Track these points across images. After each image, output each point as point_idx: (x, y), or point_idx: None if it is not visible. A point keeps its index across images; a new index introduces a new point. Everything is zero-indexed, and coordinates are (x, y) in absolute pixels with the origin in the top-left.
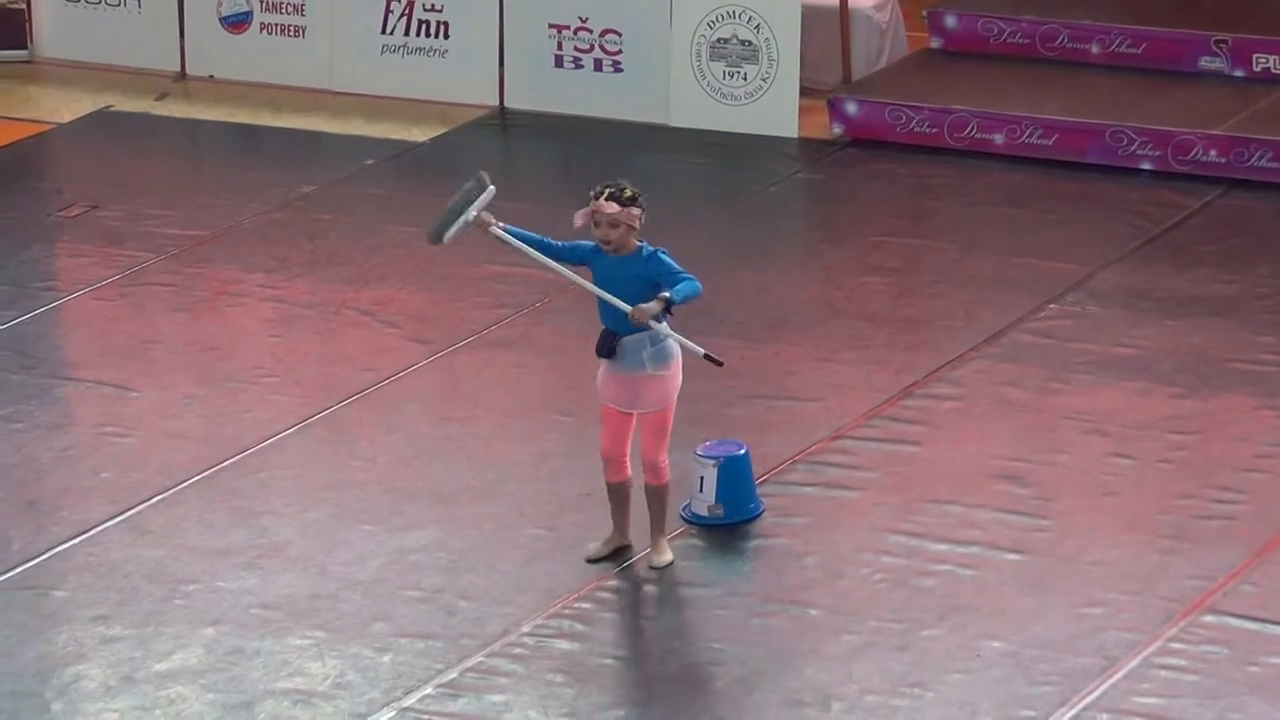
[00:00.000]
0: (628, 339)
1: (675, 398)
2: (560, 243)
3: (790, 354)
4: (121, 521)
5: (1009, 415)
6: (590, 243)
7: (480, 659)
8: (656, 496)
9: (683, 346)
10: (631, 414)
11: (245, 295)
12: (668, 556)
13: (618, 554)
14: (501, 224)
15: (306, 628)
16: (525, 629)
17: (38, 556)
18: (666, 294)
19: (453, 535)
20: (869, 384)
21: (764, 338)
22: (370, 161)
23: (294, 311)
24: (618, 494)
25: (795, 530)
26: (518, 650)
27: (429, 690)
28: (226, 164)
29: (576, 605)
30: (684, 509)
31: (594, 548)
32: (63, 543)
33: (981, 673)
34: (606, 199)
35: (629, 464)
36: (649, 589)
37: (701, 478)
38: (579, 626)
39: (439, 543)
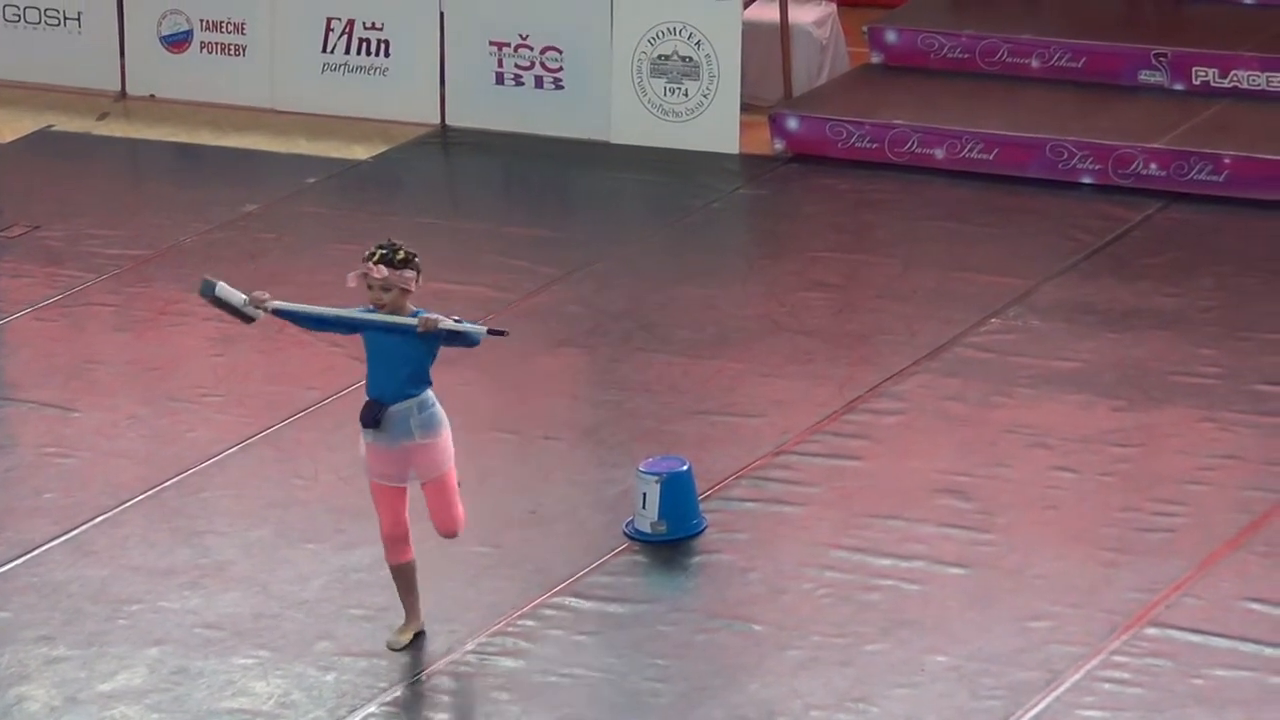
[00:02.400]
0: (394, 408)
1: (452, 462)
2: (332, 313)
3: (733, 369)
4: (64, 541)
5: (952, 429)
6: (361, 309)
7: (424, 677)
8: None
9: (468, 332)
10: (404, 488)
11: (187, 315)
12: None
13: (418, 638)
14: (266, 302)
15: (250, 647)
16: (469, 646)
17: None
18: (452, 316)
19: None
20: (811, 399)
21: (706, 353)
22: (312, 180)
23: (236, 331)
24: (403, 576)
25: (738, 546)
26: (462, 668)
27: (373, 709)
28: (168, 183)
29: (520, 623)
30: (627, 525)
31: (394, 638)
32: (5, 563)
33: (926, 687)
34: (377, 261)
35: (411, 544)
36: (592, 606)
37: (644, 494)
38: (523, 644)
39: (382, 561)
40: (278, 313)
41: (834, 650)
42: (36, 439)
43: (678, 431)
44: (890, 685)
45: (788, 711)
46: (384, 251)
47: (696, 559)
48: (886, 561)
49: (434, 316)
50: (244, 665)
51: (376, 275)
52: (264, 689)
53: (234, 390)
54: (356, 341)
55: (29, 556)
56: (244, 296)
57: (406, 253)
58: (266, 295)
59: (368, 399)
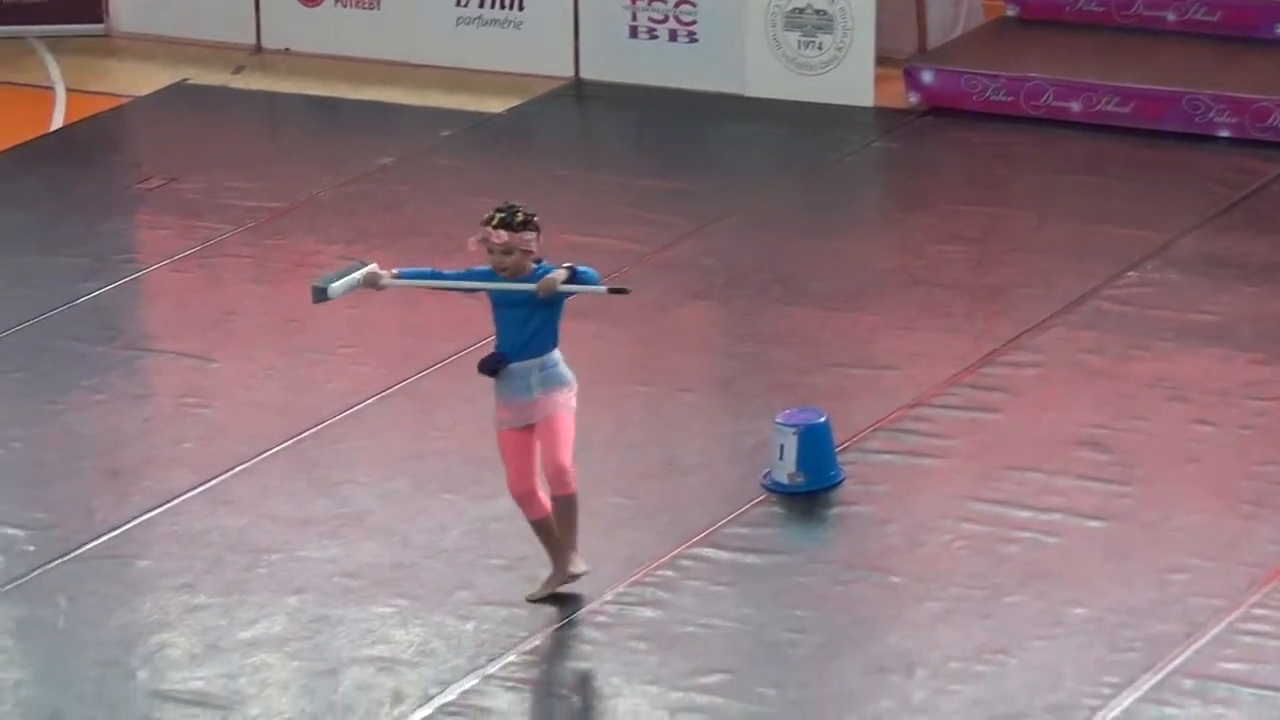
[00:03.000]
0: (515, 365)
1: (570, 411)
2: (452, 277)
3: (869, 322)
4: (204, 491)
5: (1090, 382)
6: (486, 268)
7: (563, 626)
8: (566, 508)
9: (589, 294)
10: (530, 431)
11: (323, 267)
12: (584, 567)
13: (567, 584)
14: (391, 271)
15: (389, 596)
16: (608, 596)
17: (122, 526)
18: (568, 265)
19: None
20: (948, 352)
21: (843, 306)
22: (447, 133)
23: None
24: (542, 530)
25: (876, 497)
26: (600, 618)
27: (512, 657)
28: (304, 136)
29: (659, 573)
30: (764, 477)
31: (536, 589)
32: (146, 512)
33: (1065, 639)
34: (496, 226)
35: (542, 497)
36: (730, 557)
37: (782, 446)
38: (661, 594)
39: (520, 512)
40: (400, 278)
41: (972, 602)
42: (175, 389)
43: (814, 384)
44: (1028, 637)
45: (926, 663)
46: (503, 215)
47: (834, 511)
48: (1025, 514)
49: (552, 277)
50: (383, 614)
51: (496, 240)
52: (404, 637)
53: (371, 342)
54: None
55: (168, 506)
56: (359, 277)
57: (525, 214)
58: (381, 271)
59: (495, 351)
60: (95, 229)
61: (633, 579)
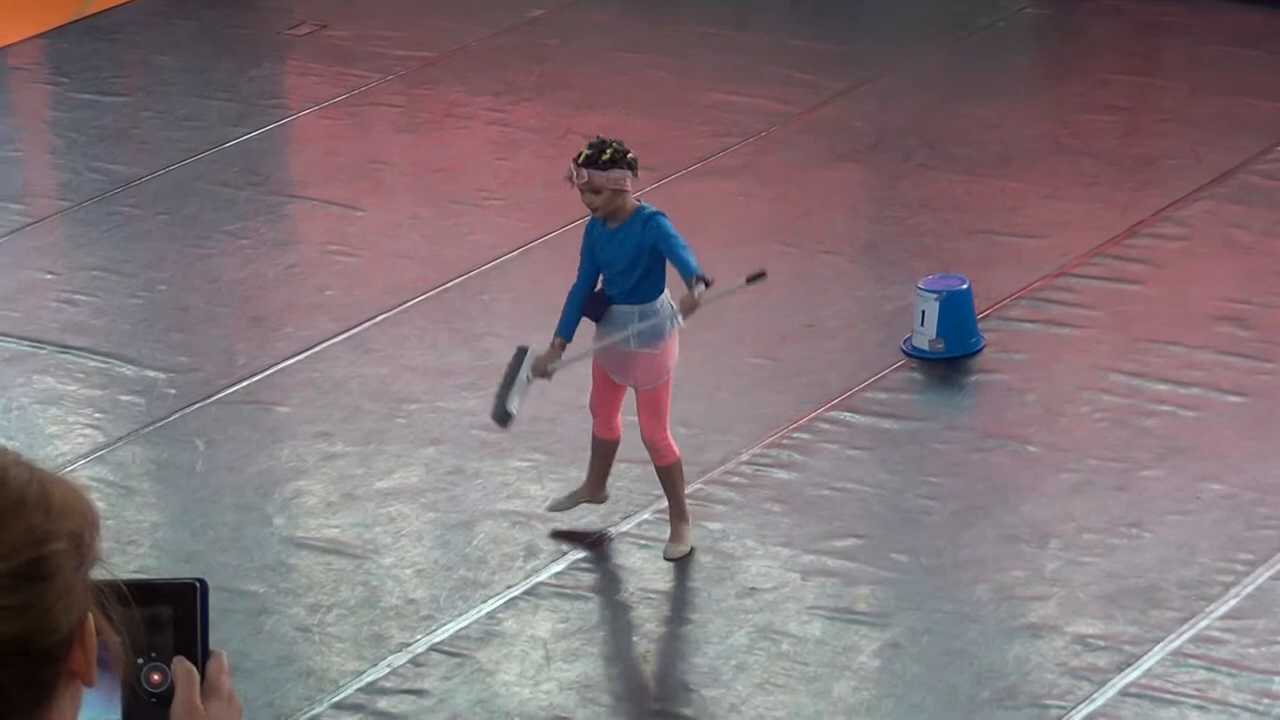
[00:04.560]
0: (617, 308)
1: (670, 375)
2: (583, 282)
3: (1014, 189)
4: (345, 339)
5: (1235, 257)
6: (590, 222)
7: (698, 486)
8: (666, 477)
9: (723, 292)
10: (621, 387)
11: (471, 118)
12: (684, 548)
13: (587, 502)
14: (554, 363)
15: (526, 450)
16: (743, 457)
17: (262, 372)
18: (697, 276)
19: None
20: (1093, 221)
21: (989, 172)
22: None
23: (520, 135)
24: (600, 449)
25: (1016, 366)
26: (735, 478)
27: (647, 516)
28: None
29: (795, 435)
30: (904, 342)
31: (558, 500)
32: (287, 359)
33: (1200, 515)
34: (581, 163)
35: (619, 426)
36: (867, 421)
37: (923, 311)
38: (797, 457)
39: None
40: (563, 344)
41: (1109, 474)
42: (320, 236)
43: (958, 250)
44: (1164, 511)
45: (1060, 534)
46: (589, 153)
47: (973, 378)
48: (1164, 387)
49: (693, 298)
50: (519, 468)
51: (579, 180)
52: (539, 492)
53: (515, 194)
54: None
55: (310, 353)
56: (528, 377)
57: (615, 151)
58: (546, 364)
59: (599, 290)
60: (245, 74)
61: (769, 440)
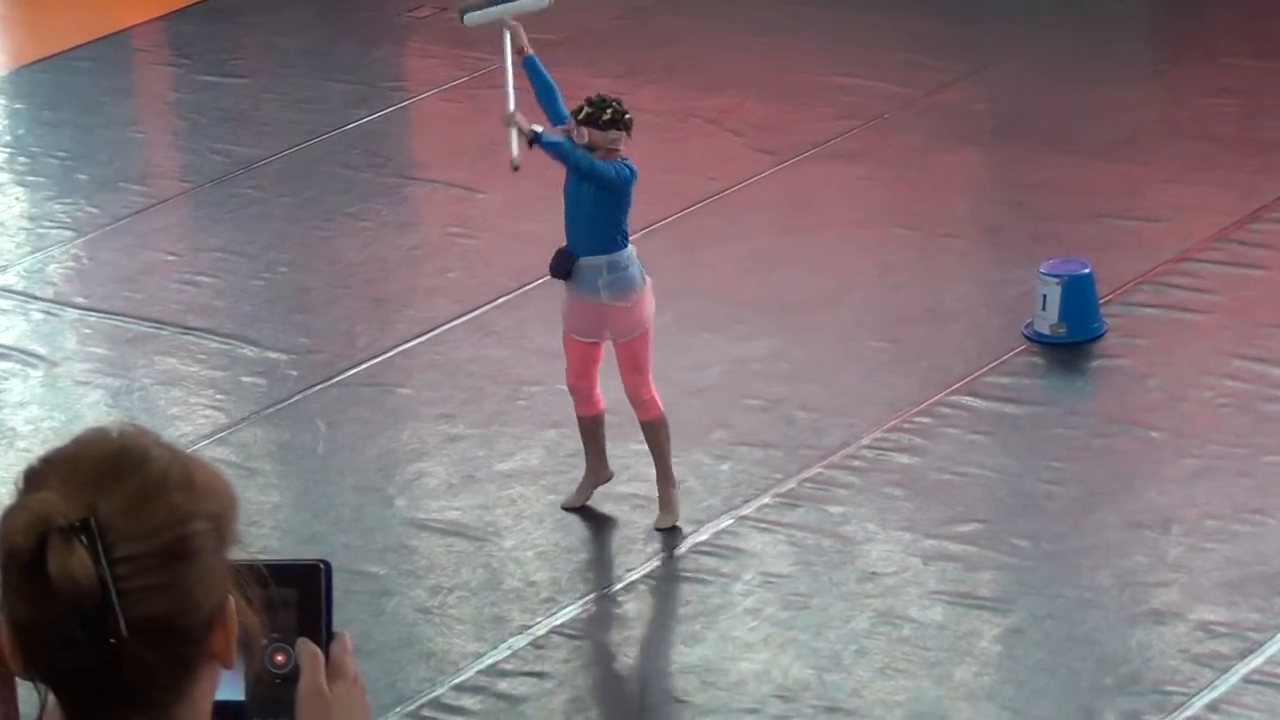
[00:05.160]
0: (584, 262)
1: (650, 326)
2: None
3: (1135, 173)
4: (467, 321)
5: None
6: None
7: (819, 470)
8: (652, 434)
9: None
10: (597, 344)
11: None
12: (674, 517)
13: (598, 485)
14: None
15: None
16: (865, 441)
17: (384, 354)
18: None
19: (793, 345)
20: (1214, 206)
21: (1110, 156)
22: None
23: (641, 118)
24: (587, 428)
25: (1138, 351)
26: (857, 463)
27: (767, 499)
28: None
29: (916, 420)
30: (1025, 326)
31: (570, 495)
32: (408, 341)
33: None
34: (581, 121)
35: (599, 396)
36: (989, 405)
37: (1045, 296)
38: (918, 441)
39: (779, 352)
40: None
41: (1232, 460)
42: (442, 218)
43: (1079, 234)
44: None
45: (1183, 519)
46: (590, 111)
47: (1095, 363)
48: None
49: (514, 119)
50: (639, 451)
51: (578, 139)
52: None
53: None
54: (758, 130)
55: (432, 335)
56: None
57: (615, 111)
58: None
59: (562, 247)
60: (367, 56)
61: (890, 424)
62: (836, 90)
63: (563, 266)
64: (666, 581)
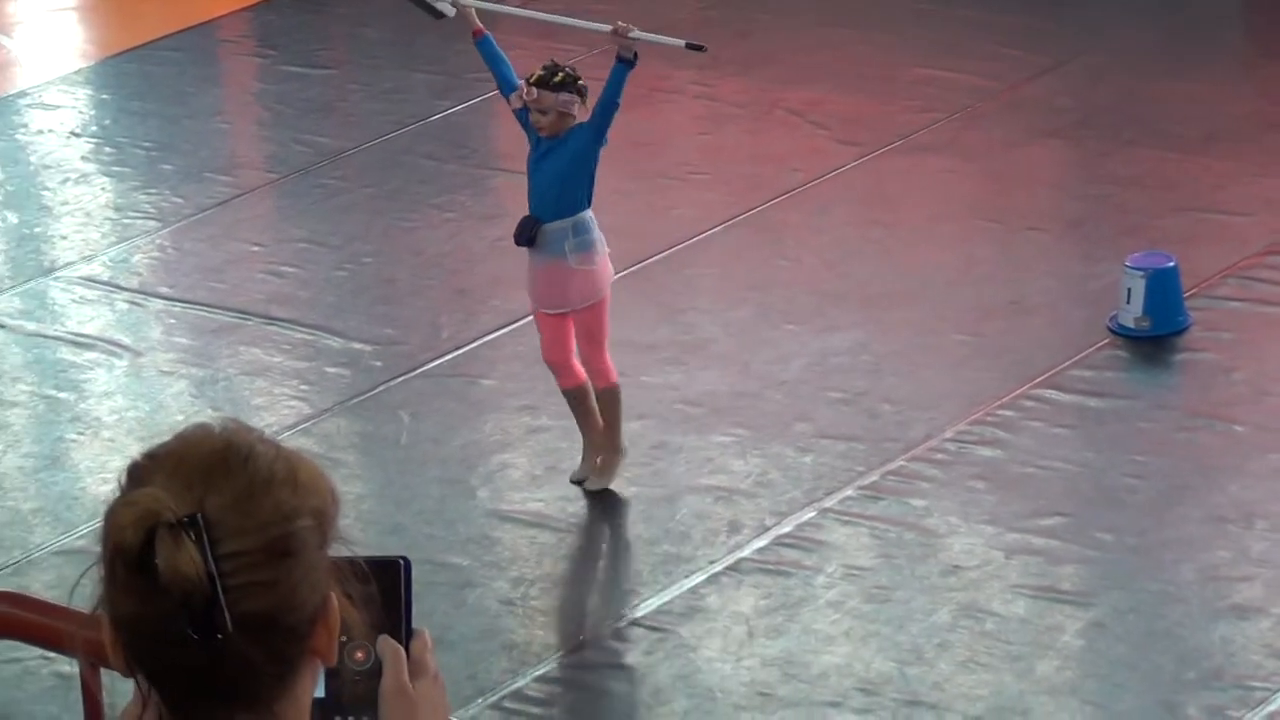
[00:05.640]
0: (549, 226)
1: (606, 295)
2: (506, 67)
3: (1223, 167)
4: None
5: None
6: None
7: (902, 463)
8: (607, 401)
9: (660, 43)
10: (567, 315)
11: (676, 92)
12: (609, 480)
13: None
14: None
15: (729, 425)
16: (948, 434)
17: (467, 345)
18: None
19: (876, 338)
20: None
21: (1197, 150)
22: None
23: (725, 110)
24: (575, 400)
25: (1223, 345)
26: (939, 456)
27: (850, 492)
28: None
29: (1000, 413)
30: (1109, 319)
31: (576, 469)
32: (492, 331)
33: None
34: (533, 82)
35: (578, 365)
36: (1072, 399)
37: (1129, 289)
38: (1002, 434)
39: (862, 345)
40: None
41: None
42: (524, 209)
43: (1165, 227)
44: None
45: (1268, 515)
46: (542, 74)
47: (1180, 356)
48: None
49: (626, 25)
50: (722, 443)
51: (529, 97)
52: (741, 467)
53: (720, 169)
54: (842, 122)
55: (515, 326)
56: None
57: (566, 75)
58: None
59: (525, 215)
60: (451, 47)
61: (973, 417)
62: (920, 82)
63: (527, 233)
64: (748, 574)
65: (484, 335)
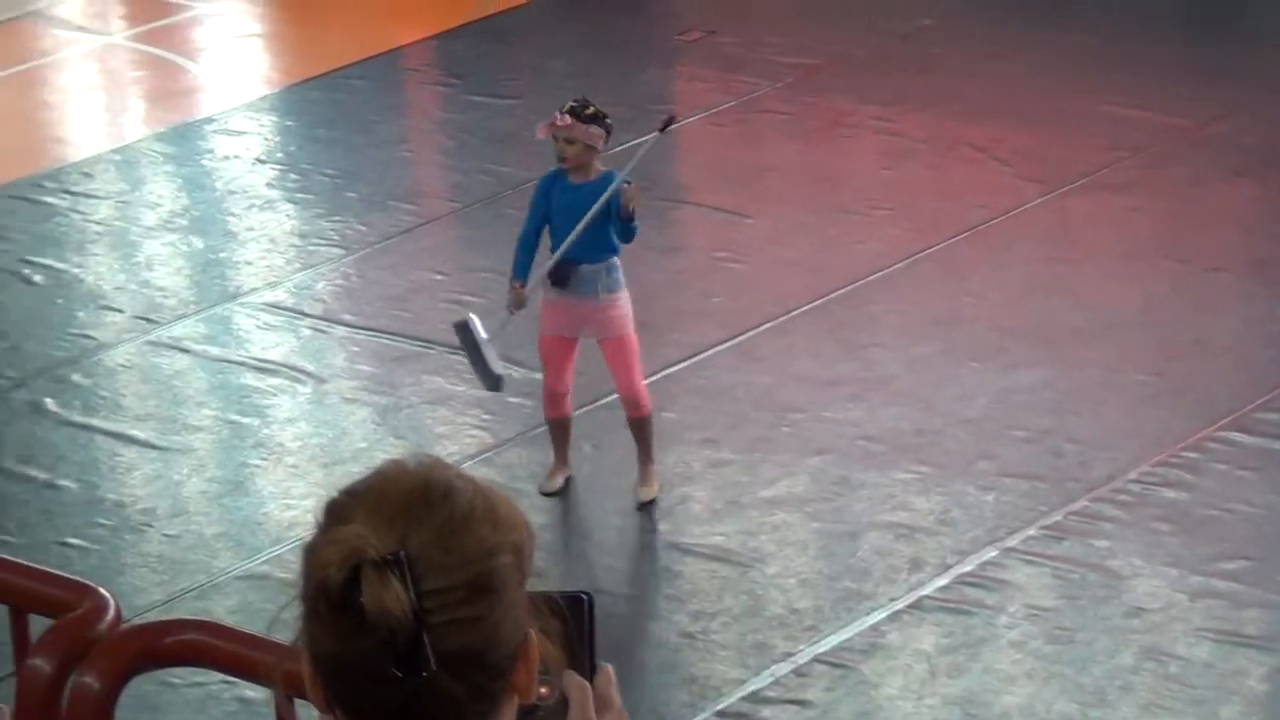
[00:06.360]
0: (585, 268)
1: (632, 327)
2: (533, 228)
3: None
4: (731, 346)
5: None
6: (545, 175)
7: (1085, 503)
8: (643, 429)
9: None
10: (575, 340)
11: (859, 126)
12: (654, 491)
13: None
14: (522, 302)
15: (911, 462)
16: (1131, 475)
17: (649, 378)
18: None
19: (1060, 377)
20: None
21: None
22: None
23: (908, 145)
24: (558, 429)
25: None
26: (1123, 496)
27: (1032, 531)
28: None
29: (1184, 454)
30: None
31: (547, 483)
32: (673, 365)
33: None
34: (565, 112)
35: (569, 401)
36: (1257, 441)
37: None
38: (1187, 476)
39: (1046, 383)
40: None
41: None
42: (708, 243)
43: None
44: None
45: None
46: (574, 105)
47: None
48: None
49: (632, 193)
50: (904, 480)
51: (560, 124)
52: (924, 505)
53: (903, 204)
54: (1025, 158)
55: (696, 359)
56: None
57: (597, 109)
58: (512, 306)
59: (562, 258)
60: (634, 78)
61: (1157, 458)
62: (1105, 120)
63: (564, 275)
64: (931, 612)
65: (665, 368)
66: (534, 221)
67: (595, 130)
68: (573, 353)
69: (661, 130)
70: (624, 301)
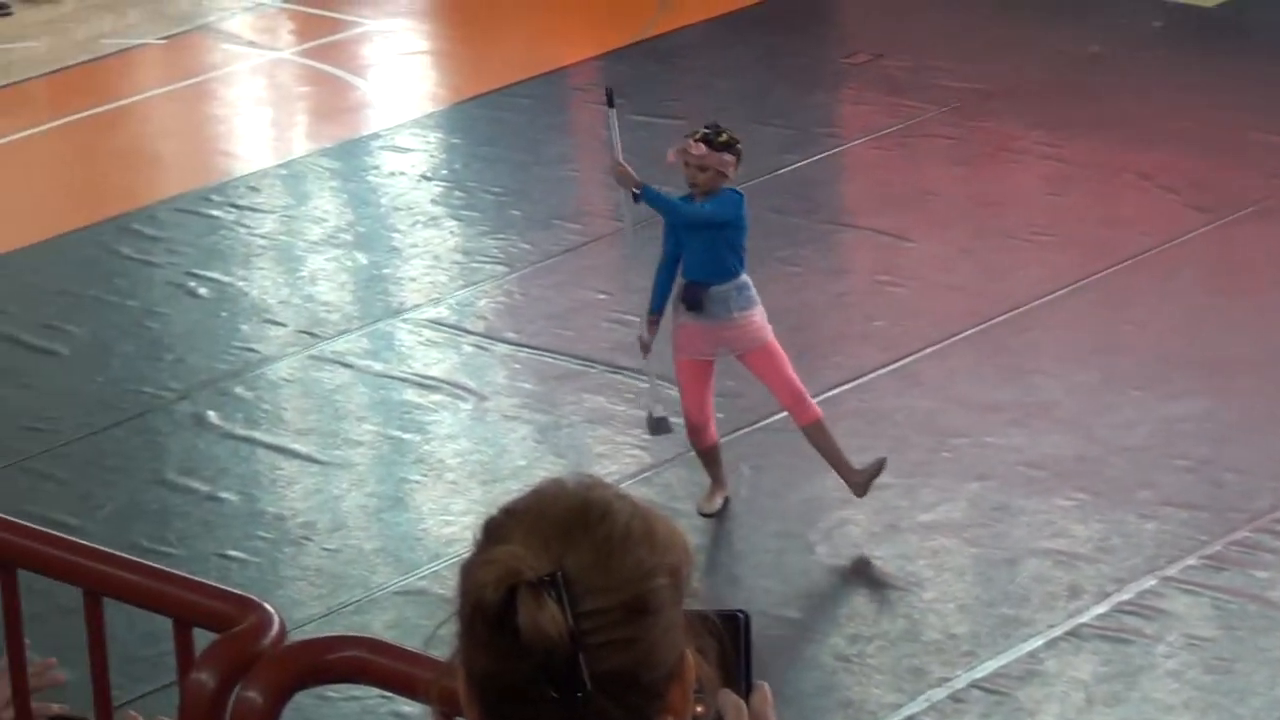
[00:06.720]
0: (715, 289)
1: (771, 334)
2: (669, 252)
3: None
4: (892, 370)
5: None
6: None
7: (1246, 533)
8: (820, 437)
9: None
10: (711, 362)
11: (1024, 152)
12: (865, 487)
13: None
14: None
15: (1071, 489)
16: None
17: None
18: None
19: (1223, 406)
20: None
21: None
22: (1159, 24)
23: (1073, 171)
24: (709, 459)
25: None
26: None
27: (1192, 561)
28: (1010, 19)
29: None
30: None
31: (705, 503)
32: (834, 387)
33: None
34: (698, 139)
35: (713, 428)
36: None
37: None
38: None
39: (1209, 413)
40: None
41: None
42: (870, 266)
43: None
44: None
45: None
46: (707, 132)
47: None
48: None
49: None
50: (1064, 507)
51: (694, 153)
52: (1083, 532)
53: (1068, 231)
54: (1192, 186)
55: (858, 382)
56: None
57: (730, 136)
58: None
59: (688, 280)
60: (801, 101)
61: None
62: (1272, 149)
63: (695, 298)
64: (1088, 639)
65: (826, 390)
66: (668, 254)
67: (727, 158)
68: (710, 377)
69: (610, 105)
70: (759, 315)
